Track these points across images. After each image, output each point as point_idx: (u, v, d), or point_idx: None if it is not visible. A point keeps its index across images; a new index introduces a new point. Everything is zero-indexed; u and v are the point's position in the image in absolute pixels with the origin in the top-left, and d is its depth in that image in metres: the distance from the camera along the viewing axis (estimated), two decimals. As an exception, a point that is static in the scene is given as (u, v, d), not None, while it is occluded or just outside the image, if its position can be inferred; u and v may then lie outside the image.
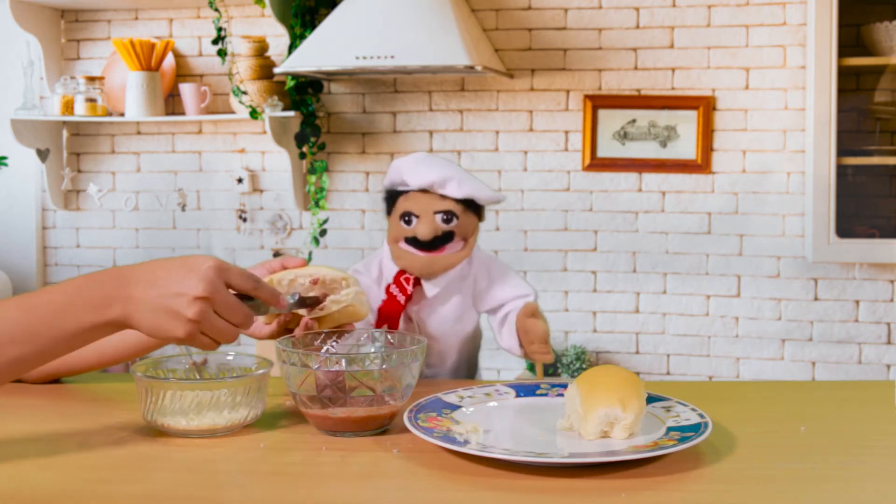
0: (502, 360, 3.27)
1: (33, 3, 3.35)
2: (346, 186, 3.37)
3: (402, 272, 1.56)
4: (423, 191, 1.54)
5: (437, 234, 1.52)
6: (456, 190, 1.52)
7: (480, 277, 1.61)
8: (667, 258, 3.19)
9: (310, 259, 3.33)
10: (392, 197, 1.58)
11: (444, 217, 1.52)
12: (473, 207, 1.56)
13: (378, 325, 1.55)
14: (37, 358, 1.09)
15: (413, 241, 1.53)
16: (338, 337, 1.28)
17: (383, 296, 1.57)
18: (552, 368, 3.22)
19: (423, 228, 1.51)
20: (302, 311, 1.27)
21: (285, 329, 1.30)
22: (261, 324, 1.30)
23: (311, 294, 1.27)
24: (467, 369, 1.71)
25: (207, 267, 1.10)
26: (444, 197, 1.53)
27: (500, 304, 1.62)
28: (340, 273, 1.29)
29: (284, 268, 1.30)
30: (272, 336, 1.30)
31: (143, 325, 1.09)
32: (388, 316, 1.56)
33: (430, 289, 1.56)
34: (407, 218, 1.53)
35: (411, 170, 1.54)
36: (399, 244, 1.55)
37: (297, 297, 1.24)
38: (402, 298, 1.55)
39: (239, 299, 1.13)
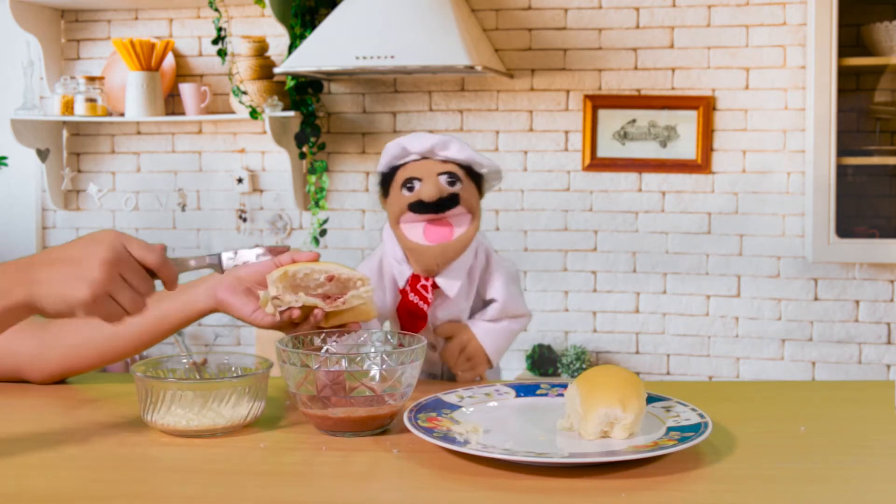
0: (502, 360, 3.26)
1: (33, 3, 3.35)
2: (346, 186, 3.37)
3: (417, 278, 1.49)
4: (424, 158, 1.48)
5: (443, 194, 1.44)
6: (458, 152, 1.48)
7: (481, 266, 1.55)
8: (667, 258, 3.19)
9: (316, 244, 3.33)
10: (390, 175, 1.51)
11: (449, 178, 1.46)
12: (474, 178, 1.51)
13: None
14: None
15: (417, 207, 1.45)
16: (339, 336, 1.28)
17: (387, 296, 1.53)
18: (552, 369, 3.22)
19: (428, 189, 1.44)
20: (320, 303, 1.25)
21: (290, 321, 1.27)
22: (262, 312, 1.28)
23: (322, 291, 1.26)
24: None
25: (110, 234, 1.10)
26: (445, 161, 1.48)
27: (486, 300, 1.59)
28: (356, 272, 1.28)
29: (294, 262, 1.28)
30: (273, 326, 1.28)
31: (47, 300, 1.06)
32: (414, 327, 1.50)
33: (449, 288, 1.50)
34: (409, 184, 1.46)
35: (411, 139, 1.49)
36: (402, 224, 1.48)
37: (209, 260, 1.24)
38: (424, 307, 1.49)
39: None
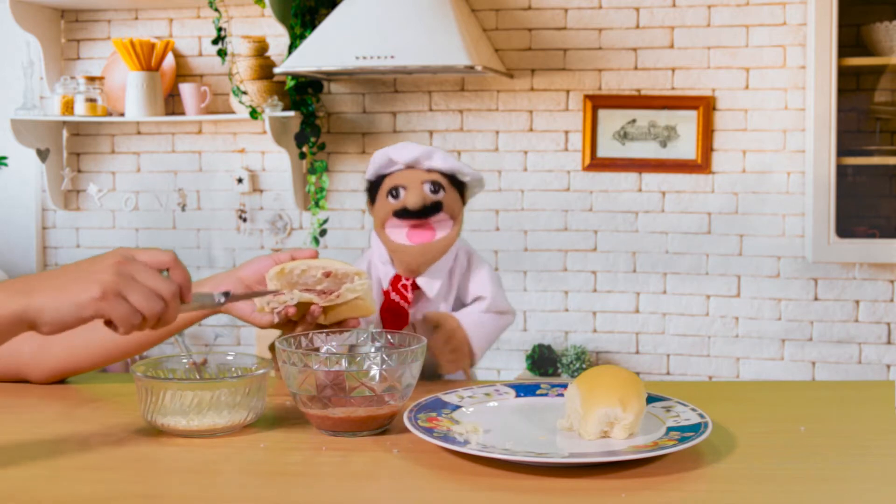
0: (502, 361, 3.27)
1: (33, 3, 3.35)
2: (346, 186, 3.37)
3: (398, 278, 1.56)
4: (409, 168, 1.56)
5: (427, 203, 1.53)
6: (441, 162, 1.56)
7: (464, 273, 1.62)
8: (667, 258, 3.19)
9: (316, 244, 3.33)
10: (377, 182, 1.60)
11: (432, 187, 1.54)
12: (458, 186, 1.59)
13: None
14: None
15: (402, 214, 1.54)
16: (339, 332, 1.27)
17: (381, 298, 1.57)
18: (552, 369, 3.22)
19: (412, 197, 1.53)
20: (315, 298, 1.25)
21: (286, 319, 1.27)
22: (257, 312, 1.27)
23: (320, 287, 1.26)
24: None
25: (116, 249, 1.06)
26: (429, 170, 1.56)
27: (470, 300, 1.62)
28: (353, 268, 1.27)
29: (293, 259, 1.29)
30: (271, 325, 1.28)
31: (48, 308, 0.99)
32: (396, 326, 1.55)
33: (429, 289, 1.57)
34: (395, 192, 1.55)
35: (397, 149, 1.57)
36: (387, 228, 1.55)
37: (224, 297, 1.18)
38: (405, 305, 1.55)
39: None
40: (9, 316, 0.99)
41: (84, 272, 1.02)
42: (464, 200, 1.61)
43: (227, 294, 1.18)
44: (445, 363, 1.52)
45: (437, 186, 1.55)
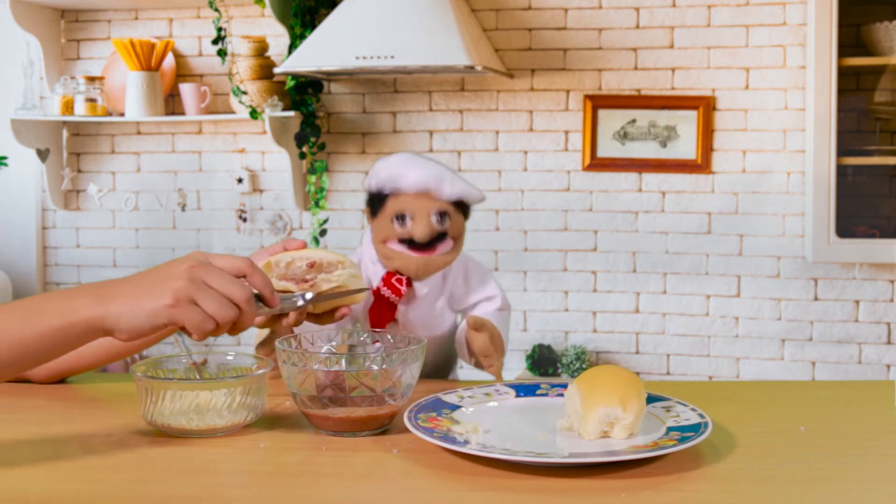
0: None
1: (33, 3, 3.35)
2: (346, 186, 3.37)
3: (391, 274, 1.56)
4: (417, 195, 1.53)
5: (434, 234, 1.52)
6: (450, 189, 1.54)
7: (458, 276, 1.63)
8: (667, 258, 3.19)
9: (316, 244, 3.33)
10: (380, 198, 1.56)
11: (439, 218, 1.53)
12: (462, 207, 1.58)
13: (372, 327, 1.55)
14: (6, 359, 1.01)
15: (408, 242, 1.53)
16: (339, 331, 1.28)
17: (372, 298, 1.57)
18: (552, 369, 3.22)
19: (420, 229, 1.51)
20: (292, 286, 1.23)
21: (278, 316, 1.25)
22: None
23: (307, 277, 1.25)
24: (445, 368, 1.70)
25: (192, 252, 1.07)
26: (437, 200, 1.53)
27: (471, 305, 1.63)
28: (337, 256, 1.26)
29: (285, 250, 1.28)
30: (263, 323, 1.27)
31: (124, 316, 1.00)
32: (381, 318, 1.55)
33: (420, 288, 1.57)
34: (401, 218, 1.52)
35: (404, 172, 1.53)
36: (388, 245, 1.55)
37: (303, 299, 1.18)
38: (395, 299, 1.55)
39: None
40: (88, 321, 1.01)
41: (158, 279, 1.02)
42: (466, 216, 1.61)
43: (305, 296, 1.17)
44: (494, 363, 1.53)
45: (443, 216, 1.53)
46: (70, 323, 1.02)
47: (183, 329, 1.05)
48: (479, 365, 1.56)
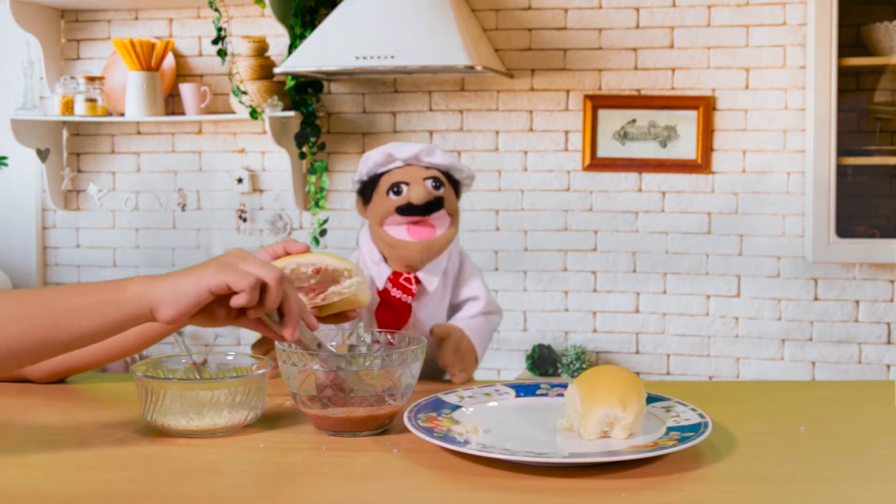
0: (502, 360, 3.27)
1: (33, 3, 3.35)
2: (346, 186, 3.37)
3: (399, 274, 1.55)
4: (408, 165, 1.56)
5: (430, 198, 1.53)
6: (441, 158, 1.56)
7: (455, 267, 1.62)
8: (667, 258, 3.19)
9: (316, 244, 3.33)
10: (373, 181, 1.58)
11: (434, 183, 1.54)
12: (453, 184, 1.60)
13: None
14: (48, 339, 1.06)
15: (405, 210, 1.53)
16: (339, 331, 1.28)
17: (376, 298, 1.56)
18: (552, 369, 3.22)
19: (417, 192, 1.52)
20: (303, 299, 1.24)
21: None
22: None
23: (313, 282, 1.25)
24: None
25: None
26: (428, 167, 1.56)
27: (459, 301, 1.62)
28: (343, 263, 1.27)
29: (287, 252, 1.28)
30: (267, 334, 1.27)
31: (167, 294, 1.05)
32: (397, 321, 1.54)
33: (430, 283, 1.56)
34: (397, 188, 1.54)
35: (394, 150, 1.56)
36: (387, 225, 1.54)
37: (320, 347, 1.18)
38: (408, 299, 1.54)
39: None
40: (132, 299, 1.06)
41: (198, 265, 1.09)
42: (457, 197, 1.62)
43: (320, 345, 1.17)
44: (458, 373, 1.52)
45: (438, 182, 1.55)
46: (118, 301, 1.06)
47: (228, 294, 1.07)
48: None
